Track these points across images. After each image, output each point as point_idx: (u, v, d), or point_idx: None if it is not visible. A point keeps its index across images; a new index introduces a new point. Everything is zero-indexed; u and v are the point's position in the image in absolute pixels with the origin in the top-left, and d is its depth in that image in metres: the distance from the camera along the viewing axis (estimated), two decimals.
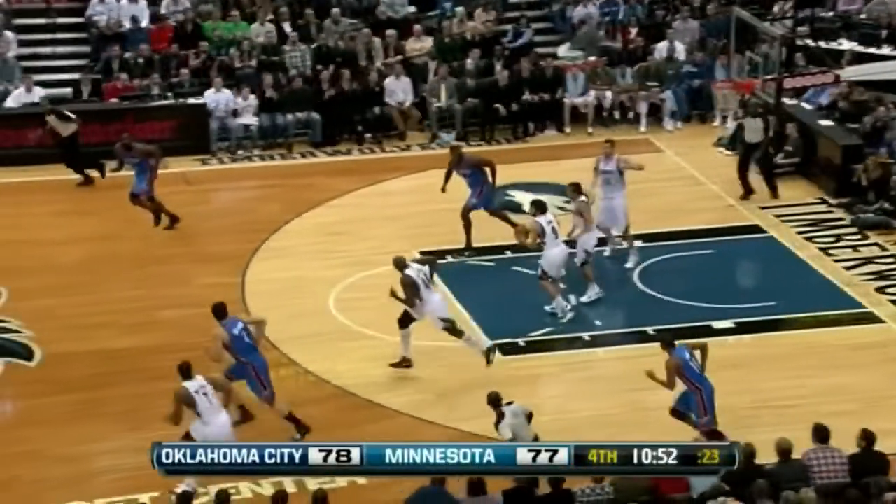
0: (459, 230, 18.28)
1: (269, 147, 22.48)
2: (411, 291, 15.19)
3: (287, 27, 23.99)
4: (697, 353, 13.82)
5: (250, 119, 22.49)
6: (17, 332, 16.23)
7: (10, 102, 22.27)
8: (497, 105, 23.03)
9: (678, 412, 13.81)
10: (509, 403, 13.33)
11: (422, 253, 17.06)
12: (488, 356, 15.37)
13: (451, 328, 15.39)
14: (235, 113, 22.44)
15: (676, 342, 13.82)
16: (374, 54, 23.70)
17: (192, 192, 20.80)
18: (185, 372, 13.35)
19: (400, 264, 15.37)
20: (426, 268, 15.49)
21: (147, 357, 15.66)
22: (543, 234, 16.35)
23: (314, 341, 16.18)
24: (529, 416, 13.34)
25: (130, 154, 18.80)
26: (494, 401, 13.27)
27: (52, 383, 15.14)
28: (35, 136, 21.37)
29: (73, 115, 20.75)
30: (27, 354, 15.54)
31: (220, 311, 14.18)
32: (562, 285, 16.80)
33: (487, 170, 18.25)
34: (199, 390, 13.21)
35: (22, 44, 23.41)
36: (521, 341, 16.27)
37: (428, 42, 24.02)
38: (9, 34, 23.18)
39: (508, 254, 17.94)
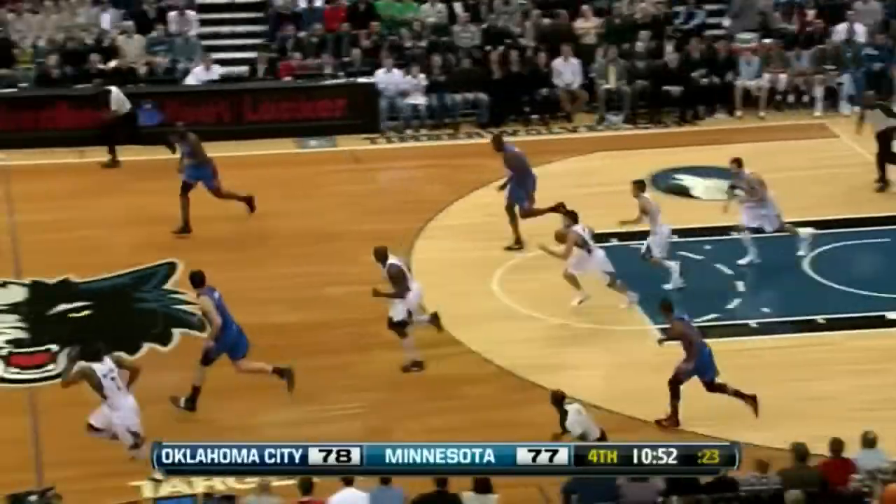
0: (617, 213, 18.07)
1: (437, 127, 22.68)
2: (402, 282, 15.06)
3: (457, 7, 24.13)
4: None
5: (419, 99, 22.70)
6: (194, 303, 16.69)
7: (190, 80, 22.98)
8: (666, 87, 22.76)
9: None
10: (570, 402, 13.17)
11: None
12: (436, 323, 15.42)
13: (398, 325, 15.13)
14: (405, 93, 22.70)
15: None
16: (539, 35, 23.63)
17: (361, 171, 21.14)
18: (96, 355, 13.18)
19: (382, 255, 15.19)
20: (405, 258, 15.39)
21: (314, 332, 15.99)
22: (585, 243, 16.19)
23: (477, 321, 16.26)
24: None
25: (184, 142, 19.10)
26: (558, 400, 13.14)
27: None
28: (212, 112, 22.03)
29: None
30: (201, 326, 15.98)
31: (197, 279, 14.36)
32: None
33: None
34: (107, 374, 13.04)
35: (203, 23, 24.09)
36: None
37: (597, 22, 23.87)
38: (191, 13, 23.89)
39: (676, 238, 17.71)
